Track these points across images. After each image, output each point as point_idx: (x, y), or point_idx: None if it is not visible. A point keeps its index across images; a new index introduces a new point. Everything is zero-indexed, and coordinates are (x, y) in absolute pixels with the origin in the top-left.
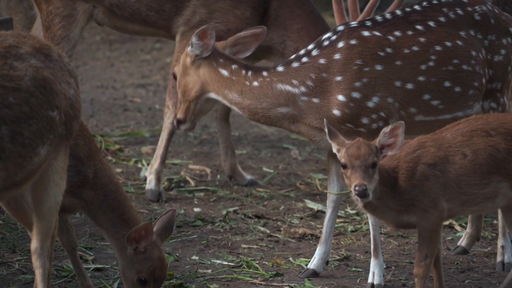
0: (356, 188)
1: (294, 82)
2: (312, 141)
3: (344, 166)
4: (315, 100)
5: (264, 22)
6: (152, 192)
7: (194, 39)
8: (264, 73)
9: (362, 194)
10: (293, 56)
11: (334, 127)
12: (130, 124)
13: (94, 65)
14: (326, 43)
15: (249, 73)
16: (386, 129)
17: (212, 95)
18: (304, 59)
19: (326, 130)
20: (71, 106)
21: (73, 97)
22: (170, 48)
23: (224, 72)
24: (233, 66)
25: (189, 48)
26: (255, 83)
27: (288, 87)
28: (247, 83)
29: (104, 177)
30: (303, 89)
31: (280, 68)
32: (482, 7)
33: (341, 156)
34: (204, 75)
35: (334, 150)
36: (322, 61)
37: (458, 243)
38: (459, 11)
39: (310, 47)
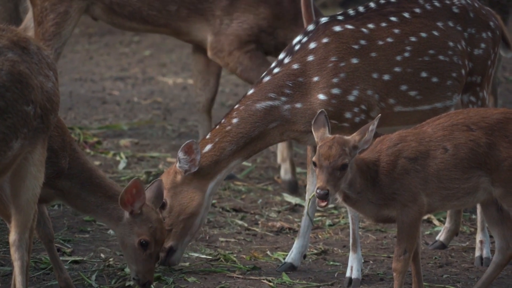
0: (318, 191)
1: (272, 95)
2: (300, 142)
3: (314, 164)
4: (298, 105)
5: (280, 16)
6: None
7: (180, 154)
8: (236, 106)
9: (322, 198)
10: (263, 74)
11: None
12: (109, 117)
13: (73, 57)
14: (297, 47)
15: (222, 120)
16: (373, 127)
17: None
18: (276, 70)
19: (314, 118)
20: (49, 100)
21: (51, 90)
22: (148, 41)
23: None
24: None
25: (177, 165)
26: (235, 120)
27: (268, 102)
28: (228, 127)
29: (78, 165)
30: (283, 98)
31: (251, 91)
32: (461, 0)
33: (316, 152)
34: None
35: (316, 141)
36: (295, 66)
37: (437, 238)
38: (436, 3)
39: (281, 56)
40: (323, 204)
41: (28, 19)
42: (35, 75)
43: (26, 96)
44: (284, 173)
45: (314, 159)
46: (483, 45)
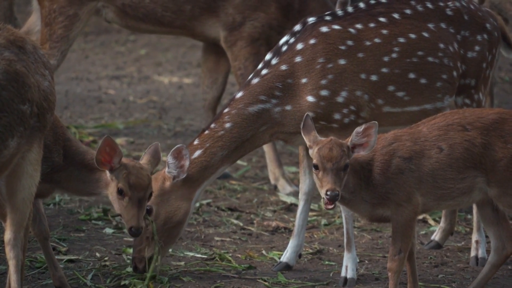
0: (328, 193)
1: (262, 97)
2: (287, 143)
3: (316, 167)
4: (288, 107)
5: (289, 16)
6: None
7: (169, 159)
8: (226, 110)
9: (334, 199)
10: (250, 76)
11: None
12: (104, 115)
13: (69, 56)
14: (284, 48)
15: (212, 125)
16: (359, 129)
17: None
18: (264, 71)
19: (302, 123)
20: (45, 98)
21: (48, 89)
22: (144, 40)
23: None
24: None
25: (166, 170)
26: (227, 125)
27: (260, 105)
28: (221, 132)
29: (72, 152)
30: (273, 101)
31: (240, 93)
32: (455, 3)
33: (313, 155)
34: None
35: (307, 145)
36: (283, 67)
37: (432, 237)
38: (429, 5)
39: (268, 57)
40: (331, 206)
41: (31, 23)
42: (32, 74)
43: (22, 95)
44: (282, 189)
45: (315, 162)
46: (477, 48)
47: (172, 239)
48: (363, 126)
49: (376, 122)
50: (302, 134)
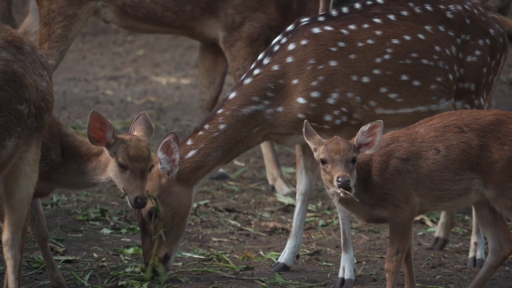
0: (339, 179)
1: (255, 99)
2: (279, 143)
3: (324, 162)
4: (280, 109)
5: (288, 17)
6: None
7: (160, 154)
8: (220, 111)
9: (345, 184)
10: (243, 76)
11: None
12: None
13: (67, 57)
14: (276, 48)
15: (206, 126)
16: (364, 128)
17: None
18: (256, 71)
19: (304, 129)
20: (43, 99)
21: (46, 89)
22: (142, 41)
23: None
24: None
25: (159, 167)
26: (222, 126)
27: (253, 107)
28: (216, 133)
29: (69, 147)
30: (266, 102)
31: (233, 94)
32: (457, 6)
33: (320, 152)
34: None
35: (312, 149)
36: (275, 67)
37: (436, 235)
38: (428, 7)
39: (260, 57)
40: (348, 192)
41: (28, 24)
42: (29, 74)
43: (19, 95)
44: (280, 190)
45: (323, 156)
46: (477, 52)
47: (180, 233)
48: (368, 125)
49: (381, 121)
50: (306, 140)
